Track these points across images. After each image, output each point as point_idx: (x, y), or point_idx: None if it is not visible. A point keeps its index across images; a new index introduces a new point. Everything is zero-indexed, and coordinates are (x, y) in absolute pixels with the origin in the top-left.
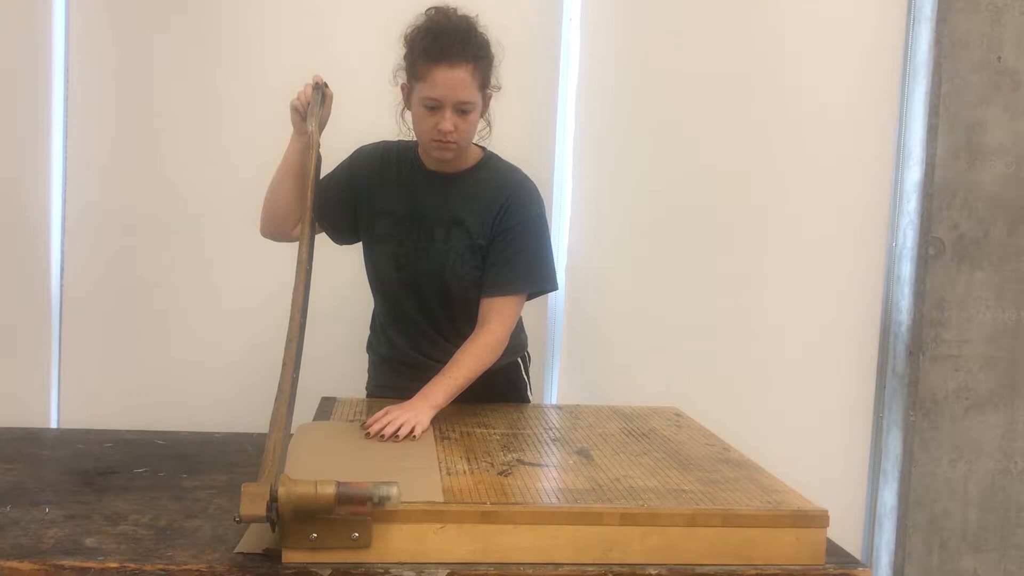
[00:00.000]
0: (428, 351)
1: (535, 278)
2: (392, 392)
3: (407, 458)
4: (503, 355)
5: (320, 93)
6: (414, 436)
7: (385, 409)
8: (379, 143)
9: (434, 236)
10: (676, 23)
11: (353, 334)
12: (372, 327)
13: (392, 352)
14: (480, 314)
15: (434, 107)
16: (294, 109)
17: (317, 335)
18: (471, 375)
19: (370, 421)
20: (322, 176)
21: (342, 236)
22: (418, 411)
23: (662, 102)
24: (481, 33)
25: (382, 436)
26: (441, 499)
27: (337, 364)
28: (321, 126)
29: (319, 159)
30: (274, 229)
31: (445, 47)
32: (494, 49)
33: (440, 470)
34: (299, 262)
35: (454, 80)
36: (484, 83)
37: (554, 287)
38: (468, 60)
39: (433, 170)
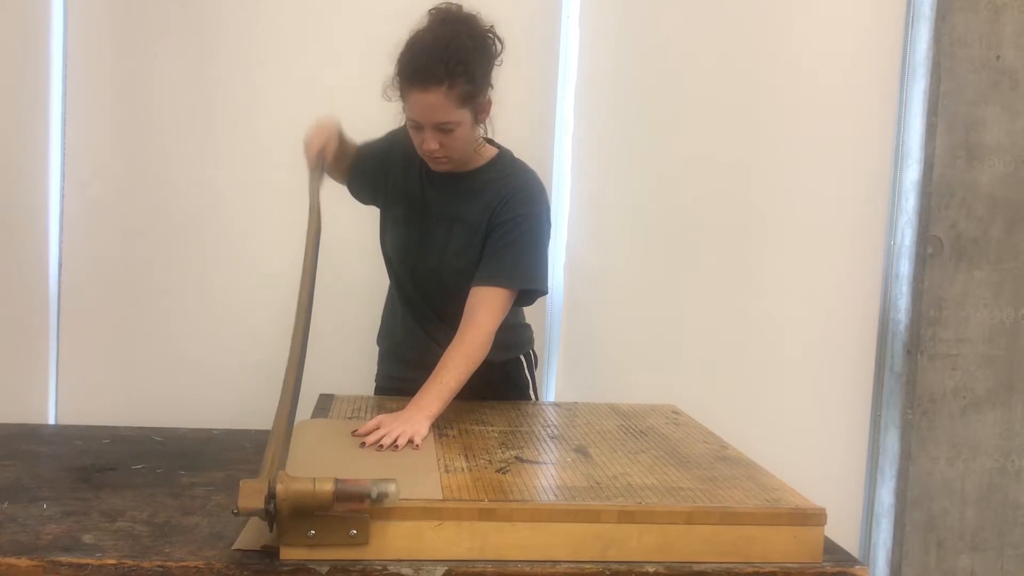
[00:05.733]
0: (432, 332)
1: (524, 274)
2: (399, 383)
3: (407, 456)
4: (503, 351)
5: (322, 165)
6: (416, 446)
7: (377, 420)
8: None
9: (437, 230)
10: (675, 21)
11: (356, 329)
12: (383, 315)
13: (402, 328)
14: (468, 305)
15: (417, 127)
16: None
17: (320, 332)
18: (463, 377)
19: (363, 430)
20: (368, 141)
21: (358, 195)
22: (414, 421)
23: (661, 101)
24: (464, 43)
25: (380, 447)
26: (440, 497)
27: (338, 361)
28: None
29: (319, 227)
30: None
31: (417, 70)
32: (488, 51)
33: (439, 468)
34: (299, 306)
35: (426, 104)
36: (466, 99)
37: (543, 288)
38: (440, 81)
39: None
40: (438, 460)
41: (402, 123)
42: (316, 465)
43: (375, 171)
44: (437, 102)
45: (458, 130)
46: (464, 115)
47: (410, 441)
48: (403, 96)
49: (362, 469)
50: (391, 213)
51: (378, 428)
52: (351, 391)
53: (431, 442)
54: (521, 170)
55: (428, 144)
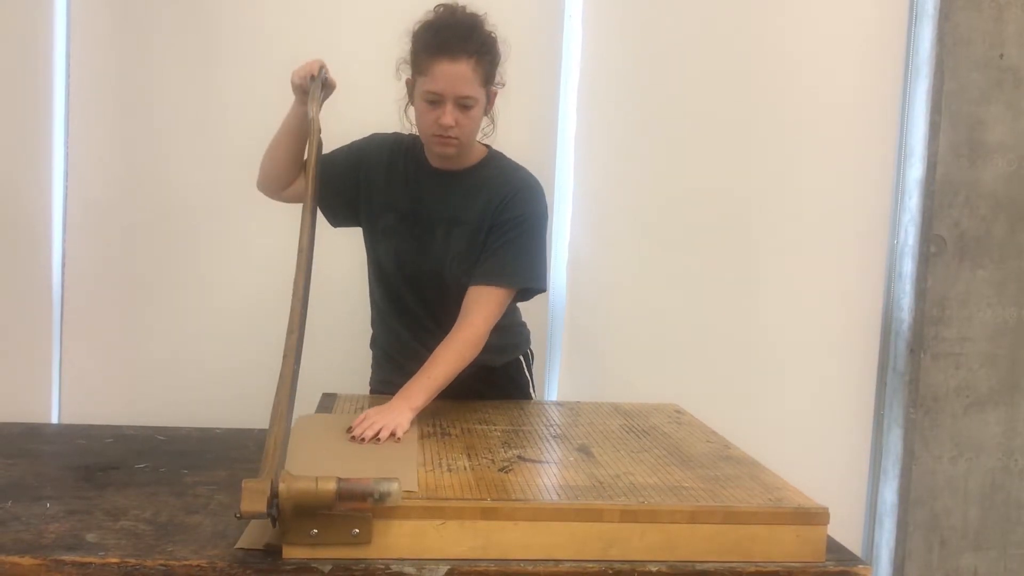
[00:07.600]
0: (429, 342)
1: (522, 273)
2: (394, 388)
3: (387, 449)
4: (504, 353)
5: (320, 81)
6: (397, 439)
7: (365, 413)
8: (392, 134)
9: (435, 234)
10: (677, 19)
11: (356, 329)
12: (373, 323)
13: (397, 342)
14: (464, 304)
15: (435, 101)
16: (293, 83)
17: (319, 330)
18: (451, 372)
19: (353, 424)
20: (328, 152)
21: (336, 218)
22: (397, 413)
23: (663, 99)
24: (486, 29)
25: (363, 439)
26: (416, 489)
27: (339, 360)
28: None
29: (320, 145)
30: (267, 186)
31: (446, 41)
32: (500, 47)
33: (440, 466)
34: (300, 250)
35: (455, 74)
36: (487, 79)
37: (542, 286)
38: (470, 55)
39: (437, 168)
40: (440, 459)
41: (406, 110)
42: (294, 459)
43: (345, 181)
44: (465, 73)
45: (474, 109)
46: (482, 95)
47: (392, 434)
48: (424, 69)
49: (338, 462)
50: (379, 225)
51: (364, 421)
52: (351, 391)
53: (413, 436)
54: (517, 167)
55: (446, 118)
